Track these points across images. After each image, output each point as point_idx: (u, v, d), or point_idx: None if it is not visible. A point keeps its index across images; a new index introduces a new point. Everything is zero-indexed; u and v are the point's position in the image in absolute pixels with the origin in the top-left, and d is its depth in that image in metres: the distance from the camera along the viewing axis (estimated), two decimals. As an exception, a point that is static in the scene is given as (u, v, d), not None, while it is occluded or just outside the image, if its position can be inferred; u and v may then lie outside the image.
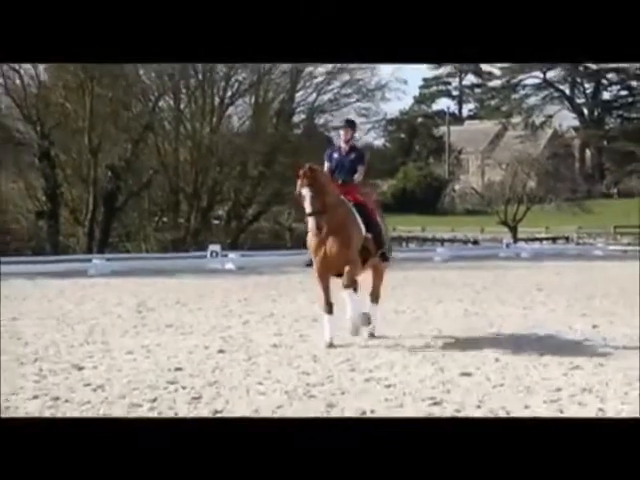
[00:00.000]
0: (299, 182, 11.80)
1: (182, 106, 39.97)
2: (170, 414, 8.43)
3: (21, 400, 8.96)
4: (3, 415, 8.09)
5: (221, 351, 11.95)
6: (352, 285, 12.15)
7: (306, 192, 11.71)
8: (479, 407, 8.72)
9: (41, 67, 38.62)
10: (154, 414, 8.43)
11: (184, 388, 9.58)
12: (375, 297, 13.67)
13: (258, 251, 35.00)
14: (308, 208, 11.73)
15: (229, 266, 29.72)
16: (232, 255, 31.01)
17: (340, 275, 12.23)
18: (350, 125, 13.60)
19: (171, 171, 38.84)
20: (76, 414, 8.37)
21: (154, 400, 8.98)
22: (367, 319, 12.50)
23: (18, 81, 37.83)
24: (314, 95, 43.18)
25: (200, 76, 39.48)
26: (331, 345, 12.16)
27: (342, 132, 13.33)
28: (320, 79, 42.79)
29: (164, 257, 32.07)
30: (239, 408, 8.71)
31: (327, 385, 9.81)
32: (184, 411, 8.56)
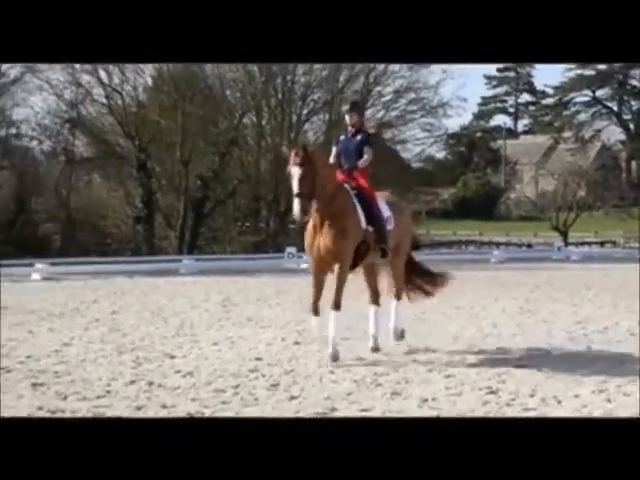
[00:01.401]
0: (290, 160, 10.15)
1: (263, 123, 40.15)
2: (251, 399, 8.47)
3: (120, 384, 9.08)
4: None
5: (297, 343, 11.96)
6: (339, 307, 10.45)
7: (295, 171, 10.01)
8: (532, 396, 8.61)
9: (140, 88, 39.17)
10: (237, 399, 8.48)
11: (263, 376, 9.61)
12: (396, 295, 11.72)
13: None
14: (295, 188, 9.97)
15: (304, 266, 29.69)
16: (306, 256, 31.03)
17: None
18: (355, 108, 11.46)
19: (253, 181, 39.06)
20: (168, 398, 8.45)
21: (237, 387, 9.03)
22: (401, 332, 11.38)
23: (120, 102, 38.37)
24: (382, 112, 43.15)
25: (280, 96, 39.65)
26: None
27: (347, 116, 11.31)
28: (388, 97, 42.78)
29: (246, 258, 32.24)
30: (313, 395, 8.71)
31: (392, 375, 9.76)
32: (263, 397, 8.59)
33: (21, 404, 8.14)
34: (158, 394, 8.64)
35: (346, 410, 8.01)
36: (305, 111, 40.99)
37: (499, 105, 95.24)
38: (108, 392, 8.73)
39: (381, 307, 11.64)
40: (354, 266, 10.70)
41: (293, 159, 10.06)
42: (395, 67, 41.69)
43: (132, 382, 9.16)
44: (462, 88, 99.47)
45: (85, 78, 38.37)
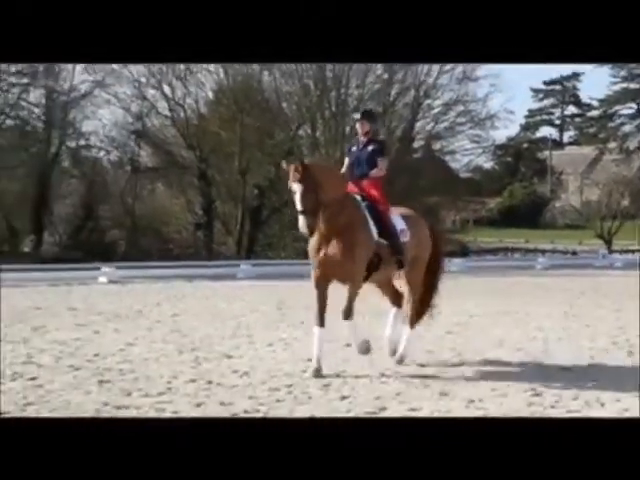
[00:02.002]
0: (290, 177, 9.37)
1: (318, 134, 40.23)
2: (304, 398, 8.48)
3: (181, 382, 9.15)
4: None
5: (347, 345, 11.93)
6: (351, 316, 9.72)
7: (296, 188, 9.22)
8: (575, 399, 8.52)
9: (201, 102, 39.52)
10: (291, 398, 8.49)
11: (316, 376, 9.62)
12: (405, 318, 10.64)
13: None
14: (298, 205, 9.21)
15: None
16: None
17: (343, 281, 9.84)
18: (366, 117, 10.40)
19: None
20: (227, 396, 8.49)
21: (290, 386, 9.05)
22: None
23: (182, 114, 38.75)
24: (432, 124, 43.07)
25: (333, 108, 39.71)
26: (318, 372, 9.56)
27: (358, 125, 10.35)
28: (437, 110, 42.68)
29: (300, 263, 32.22)
30: (363, 394, 8.71)
31: (440, 376, 9.73)
32: (316, 396, 8.60)
33: (89, 400, 8.24)
34: (216, 392, 8.70)
35: (395, 410, 8.00)
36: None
37: (545, 117, 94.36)
38: (169, 389, 8.81)
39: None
40: (366, 279, 9.92)
41: (293, 175, 9.30)
42: (444, 80, 41.66)
43: (192, 380, 9.23)
44: (510, 101, 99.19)
45: (150, 92, 38.93)
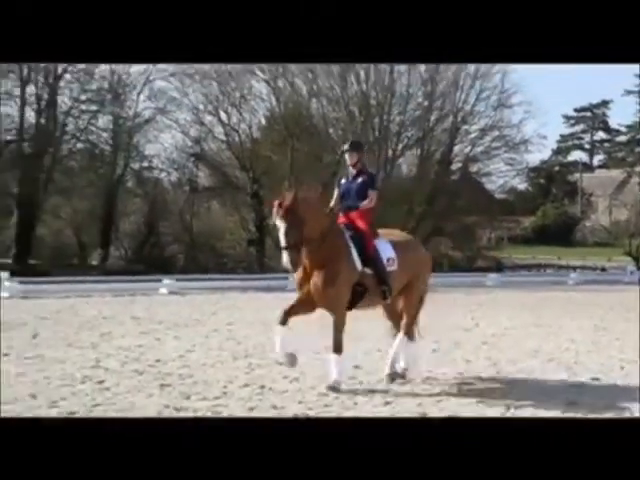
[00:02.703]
0: (274, 212, 8.90)
1: (362, 157, 40.22)
2: (350, 404, 8.46)
3: (235, 387, 9.19)
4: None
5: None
6: (340, 350, 9.25)
7: (280, 224, 8.73)
8: (607, 407, 8.38)
9: (254, 127, 39.74)
10: (338, 402, 8.49)
11: (361, 383, 9.61)
12: (408, 334, 10.05)
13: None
14: (282, 242, 8.74)
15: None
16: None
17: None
18: (354, 148, 9.77)
19: (352, 209, 39.16)
20: (278, 400, 8.50)
21: (338, 391, 9.04)
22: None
23: (237, 139, 39.04)
24: (469, 148, 42.83)
25: (377, 133, 39.68)
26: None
27: (347, 156, 9.78)
28: (474, 135, 42.49)
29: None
30: (406, 401, 8.67)
31: (478, 384, 9.66)
32: (361, 401, 8.58)
33: (151, 402, 8.30)
34: (269, 397, 8.72)
35: (435, 415, 7.94)
36: (400, 147, 40.99)
37: (576, 142, 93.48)
38: (225, 393, 8.85)
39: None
40: (350, 308, 9.44)
41: (276, 210, 8.79)
42: (481, 107, 41.47)
43: (246, 385, 9.27)
44: (543, 127, 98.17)
45: (207, 118, 39.20)
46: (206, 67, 37.27)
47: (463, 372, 10.41)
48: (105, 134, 38.59)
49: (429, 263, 10.45)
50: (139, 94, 38.02)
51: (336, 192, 9.81)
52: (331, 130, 40.34)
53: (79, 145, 38.29)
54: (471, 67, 40.09)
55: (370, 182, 9.68)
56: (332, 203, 9.75)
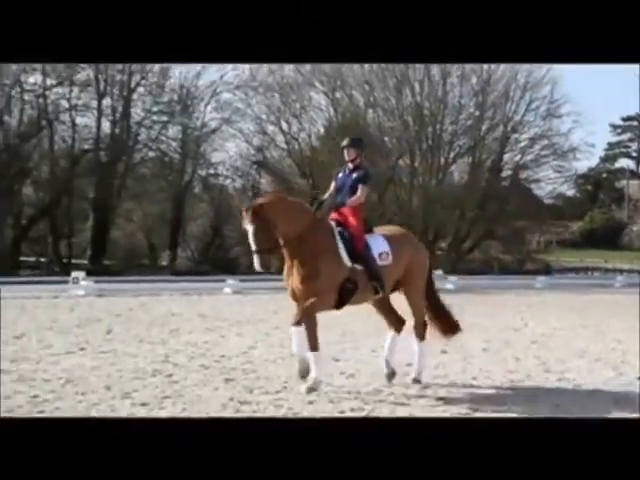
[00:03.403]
0: (243, 219, 8.48)
1: (416, 164, 40.02)
2: (403, 400, 8.41)
3: (295, 382, 9.11)
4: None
5: (443, 352, 11.80)
6: (302, 322, 8.65)
7: (249, 228, 8.34)
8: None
9: (313, 136, 39.88)
10: (391, 399, 8.44)
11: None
12: (418, 334, 9.43)
13: (472, 276, 34.41)
14: (252, 246, 8.36)
15: (449, 286, 29.35)
16: (452, 278, 30.64)
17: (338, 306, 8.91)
18: (352, 145, 9.15)
19: (406, 213, 38.98)
20: (335, 396, 8.47)
21: (391, 387, 8.99)
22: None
23: (297, 147, 39.22)
24: (519, 156, 42.46)
25: (430, 141, 39.53)
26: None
27: (345, 152, 9.16)
28: (524, 144, 42.08)
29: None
30: (457, 398, 8.59)
31: (527, 382, 9.52)
32: (414, 398, 8.52)
33: (216, 395, 8.36)
34: (326, 391, 8.69)
35: (485, 412, 7.86)
36: (452, 155, 40.81)
37: (623, 150, 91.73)
38: (285, 388, 8.86)
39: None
40: (340, 305, 8.87)
41: (244, 217, 8.40)
42: (530, 117, 41.05)
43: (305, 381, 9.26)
44: (590, 135, 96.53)
45: (270, 128, 39.47)
46: (269, 80, 37.59)
47: (512, 370, 10.27)
48: (174, 143, 39.08)
49: (426, 258, 9.63)
50: (206, 106, 38.48)
51: (333, 185, 9.25)
52: (386, 138, 40.31)
53: (150, 153, 38.86)
54: (521, 79, 39.75)
55: (362, 177, 9.01)
56: (326, 195, 9.25)
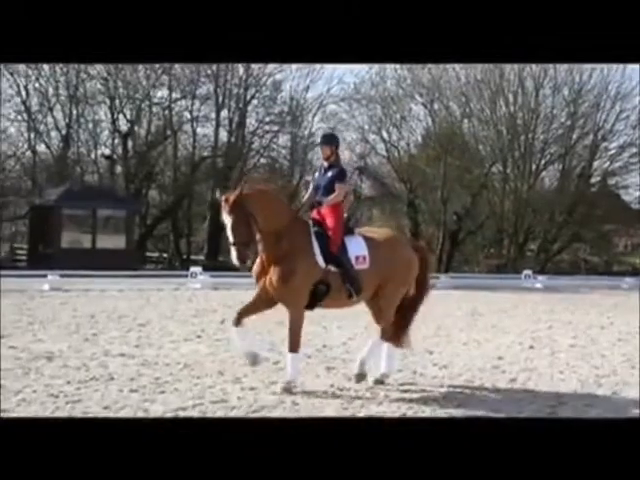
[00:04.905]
0: (221, 208, 7.65)
1: (508, 171, 39.29)
2: (493, 390, 8.26)
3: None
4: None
5: (531, 347, 11.57)
6: (297, 349, 7.82)
7: (227, 220, 7.52)
8: None
9: (412, 144, 39.67)
10: (482, 389, 8.30)
11: (504, 372, 9.37)
12: (387, 337, 8.48)
13: (560, 276, 33.46)
14: (230, 237, 7.50)
15: (538, 285, 28.68)
16: (540, 278, 29.91)
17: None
18: (327, 141, 8.40)
19: (498, 217, 38.41)
20: (427, 385, 8.39)
21: (482, 379, 8.85)
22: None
23: (396, 154, 39.17)
24: (608, 163, 41.06)
25: (522, 149, 38.79)
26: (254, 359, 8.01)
27: (321, 150, 8.44)
28: (613, 151, 40.73)
29: (491, 277, 31.53)
30: (545, 389, 8.37)
31: (612, 377, 9.20)
32: (504, 388, 8.36)
33: (318, 382, 8.40)
34: (419, 381, 8.63)
35: (572, 405, 7.62)
36: (543, 162, 39.94)
37: None
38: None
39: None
40: (312, 307, 8.05)
41: (223, 207, 7.57)
42: (620, 126, 39.69)
43: (400, 370, 9.18)
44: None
45: (371, 137, 39.47)
46: (372, 92, 37.69)
47: (598, 366, 9.94)
48: (284, 151, 39.54)
49: (413, 263, 8.48)
50: (314, 116, 38.79)
51: (311, 186, 8.40)
52: (480, 147, 39.77)
53: (262, 160, 39.43)
54: (612, 89, 38.51)
55: (338, 176, 8.14)
56: (305, 198, 8.46)
